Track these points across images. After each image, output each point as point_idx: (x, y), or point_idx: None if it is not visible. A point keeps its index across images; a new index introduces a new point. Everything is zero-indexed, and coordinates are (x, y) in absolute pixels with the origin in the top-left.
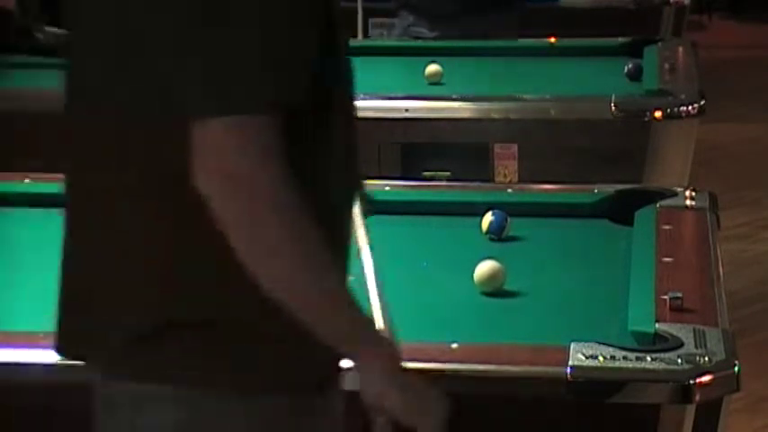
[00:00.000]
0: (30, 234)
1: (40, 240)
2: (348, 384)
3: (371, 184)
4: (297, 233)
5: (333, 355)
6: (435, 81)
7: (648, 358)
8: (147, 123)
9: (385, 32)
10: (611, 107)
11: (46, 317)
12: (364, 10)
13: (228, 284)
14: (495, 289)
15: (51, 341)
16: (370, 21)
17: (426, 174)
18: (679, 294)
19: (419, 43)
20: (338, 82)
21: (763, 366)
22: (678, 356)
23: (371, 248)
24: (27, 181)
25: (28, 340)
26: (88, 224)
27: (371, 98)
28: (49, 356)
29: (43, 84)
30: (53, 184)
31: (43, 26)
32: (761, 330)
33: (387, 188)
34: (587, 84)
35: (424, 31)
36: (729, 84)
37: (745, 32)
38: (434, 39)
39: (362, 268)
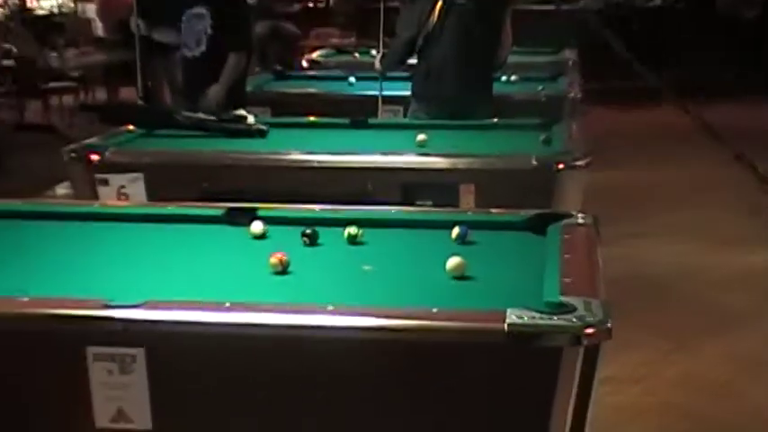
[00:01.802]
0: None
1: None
2: None
3: (385, 210)
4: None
5: None
6: (422, 144)
7: (555, 318)
8: None
9: (392, 114)
10: (533, 161)
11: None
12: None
13: None
14: (459, 275)
15: None
16: (382, 107)
17: (417, 202)
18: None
19: (414, 121)
20: None
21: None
22: (574, 317)
23: None
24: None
25: None
26: None
27: (383, 155)
28: None
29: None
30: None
31: (182, 111)
32: (625, 302)
33: (392, 211)
34: (518, 147)
35: (423, 116)
36: (606, 148)
37: (612, 115)
38: (428, 119)
39: None
